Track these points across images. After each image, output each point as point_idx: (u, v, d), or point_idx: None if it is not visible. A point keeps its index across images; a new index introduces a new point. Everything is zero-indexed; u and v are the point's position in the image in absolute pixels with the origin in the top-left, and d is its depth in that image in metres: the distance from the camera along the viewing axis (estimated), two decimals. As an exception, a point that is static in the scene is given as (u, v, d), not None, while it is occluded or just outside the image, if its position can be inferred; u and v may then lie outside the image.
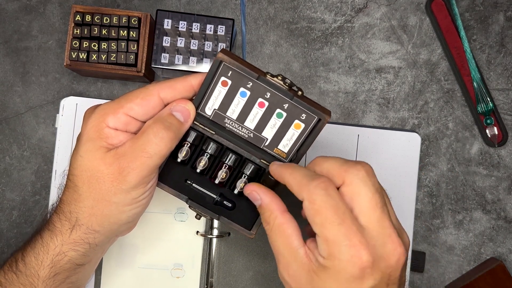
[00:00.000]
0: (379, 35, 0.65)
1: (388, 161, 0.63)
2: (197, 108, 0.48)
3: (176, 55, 0.61)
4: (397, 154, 0.63)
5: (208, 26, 0.60)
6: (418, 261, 0.64)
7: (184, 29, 0.60)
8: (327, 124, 0.63)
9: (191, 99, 0.48)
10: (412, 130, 0.65)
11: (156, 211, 0.61)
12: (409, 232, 0.63)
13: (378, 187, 0.41)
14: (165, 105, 0.47)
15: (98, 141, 0.46)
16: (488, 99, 0.64)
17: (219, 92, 0.47)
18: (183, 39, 0.61)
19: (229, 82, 0.47)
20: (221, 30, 0.60)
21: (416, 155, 0.64)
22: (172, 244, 0.61)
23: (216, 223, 0.61)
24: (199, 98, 0.48)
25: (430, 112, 0.65)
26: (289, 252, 0.43)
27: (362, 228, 0.40)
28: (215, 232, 0.61)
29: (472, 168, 0.65)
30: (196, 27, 0.60)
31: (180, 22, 0.60)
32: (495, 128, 0.64)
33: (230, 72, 0.46)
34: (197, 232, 0.61)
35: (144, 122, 0.47)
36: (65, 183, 0.48)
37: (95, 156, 0.45)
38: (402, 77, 0.65)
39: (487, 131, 0.64)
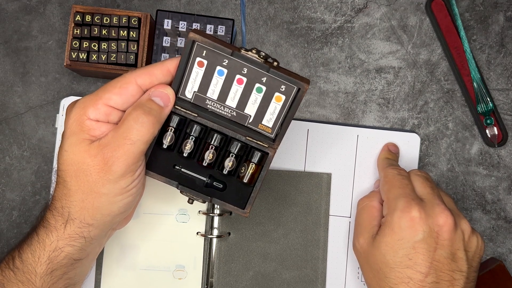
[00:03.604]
0: (379, 35, 0.65)
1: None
2: (176, 93, 0.48)
3: (176, 55, 0.61)
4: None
5: (208, 26, 0.60)
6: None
7: (184, 29, 0.60)
8: (326, 124, 0.63)
9: (170, 84, 0.48)
10: (411, 130, 0.65)
11: (158, 213, 0.61)
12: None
13: (428, 178, 0.55)
14: (144, 92, 0.47)
15: (81, 134, 0.46)
16: (488, 99, 0.64)
17: (196, 74, 0.47)
18: (183, 39, 0.61)
19: (205, 62, 0.47)
20: (221, 30, 0.60)
21: (416, 156, 0.64)
22: (174, 246, 0.61)
23: (216, 223, 0.61)
24: (177, 81, 0.48)
25: (430, 112, 0.65)
26: (367, 225, 0.56)
27: (417, 196, 0.53)
28: (215, 232, 0.61)
29: (472, 168, 0.65)
30: (196, 27, 0.60)
31: (180, 22, 0.60)
32: (495, 128, 0.64)
33: (205, 51, 0.46)
34: (197, 232, 0.61)
35: (125, 111, 0.47)
36: (55, 179, 0.48)
37: (79, 149, 0.46)
38: (402, 77, 0.65)
39: (487, 131, 0.64)
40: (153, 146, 0.49)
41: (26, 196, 0.63)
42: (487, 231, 0.65)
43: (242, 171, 0.50)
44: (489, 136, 0.64)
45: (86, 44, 0.59)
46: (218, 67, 0.47)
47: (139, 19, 0.59)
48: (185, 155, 0.50)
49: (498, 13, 0.66)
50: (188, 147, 0.50)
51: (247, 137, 0.50)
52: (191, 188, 0.51)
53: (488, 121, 0.64)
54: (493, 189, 0.65)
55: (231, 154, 0.50)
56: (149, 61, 0.61)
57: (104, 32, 0.59)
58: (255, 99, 0.48)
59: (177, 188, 0.51)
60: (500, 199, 0.65)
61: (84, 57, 0.59)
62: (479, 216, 0.65)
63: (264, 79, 0.47)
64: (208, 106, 0.49)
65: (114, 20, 0.59)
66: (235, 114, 0.49)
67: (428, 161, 0.65)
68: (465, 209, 0.65)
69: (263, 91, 0.47)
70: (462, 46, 0.64)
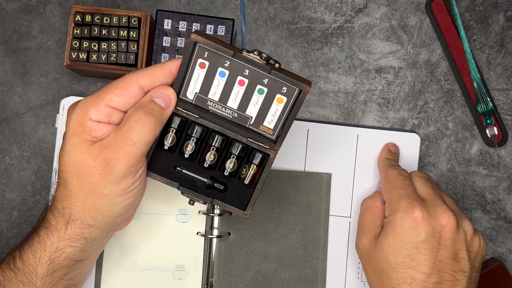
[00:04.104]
0: (379, 35, 0.65)
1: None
2: (178, 94, 0.48)
3: (176, 55, 0.61)
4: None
5: (208, 26, 0.60)
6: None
7: (184, 29, 0.60)
8: (326, 124, 0.63)
9: (171, 85, 0.48)
10: (411, 130, 0.65)
11: (158, 213, 0.61)
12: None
13: (429, 179, 0.56)
14: (146, 93, 0.47)
15: (82, 135, 0.46)
16: (488, 99, 0.64)
17: (198, 75, 0.47)
18: (183, 39, 0.61)
19: (207, 63, 0.47)
20: (221, 30, 0.60)
21: (416, 156, 0.64)
22: (174, 246, 0.61)
23: (216, 223, 0.61)
24: (179, 83, 0.48)
25: (430, 112, 0.65)
26: (370, 225, 0.55)
27: (419, 196, 0.53)
28: (215, 232, 0.61)
29: (472, 168, 0.65)
30: (196, 27, 0.60)
31: (180, 22, 0.60)
32: (495, 128, 0.64)
33: (206, 53, 0.46)
34: (198, 232, 0.61)
35: (126, 112, 0.47)
36: (56, 180, 0.48)
37: (80, 150, 0.46)
38: (402, 77, 0.65)
39: (487, 131, 0.64)
40: (154, 147, 0.49)
41: (26, 196, 0.63)
42: (487, 231, 0.65)
43: (243, 173, 0.50)
44: (489, 136, 0.64)
45: (86, 44, 0.59)
46: (220, 69, 0.47)
47: (139, 19, 0.59)
48: (186, 156, 0.50)
49: (498, 13, 0.66)
50: (189, 148, 0.50)
51: (248, 139, 0.50)
52: (192, 189, 0.51)
53: (488, 121, 0.64)
54: (493, 189, 0.65)
55: (232, 155, 0.50)
56: (149, 61, 0.61)
57: (104, 32, 0.59)
58: (257, 100, 0.48)
59: (178, 189, 0.51)
60: (500, 199, 0.65)
61: (84, 57, 0.59)
62: (479, 216, 0.65)
63: (265, 81, 0.47)
64: (210, 107, 0.49)
65: (114, 20, 0.59)
66: (236, 116, 0.49)
67: (428, 161, 0.65)
68: (465, 209, 0.65)
69: (264, 93, 0.47)
70: (462, 46, 0.64)
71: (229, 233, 0.61)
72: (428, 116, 0.65)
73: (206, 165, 0.50)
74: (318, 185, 0.62)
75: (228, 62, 0.46)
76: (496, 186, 0.65)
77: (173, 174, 0.51)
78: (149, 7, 0.65)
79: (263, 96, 0.47)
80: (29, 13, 0.64)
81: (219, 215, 0.60)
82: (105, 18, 0.59)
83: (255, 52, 0.45)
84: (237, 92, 0.48)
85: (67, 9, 0.64)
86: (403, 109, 0.65)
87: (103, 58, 0.59)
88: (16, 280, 0.47)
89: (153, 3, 0.65)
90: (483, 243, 0.53)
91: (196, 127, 0.49)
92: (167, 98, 0.47)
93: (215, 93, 0.48)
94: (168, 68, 0.47)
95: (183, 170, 0.51)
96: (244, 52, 0.45)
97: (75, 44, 0.59)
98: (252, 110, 0.48)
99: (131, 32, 0.59)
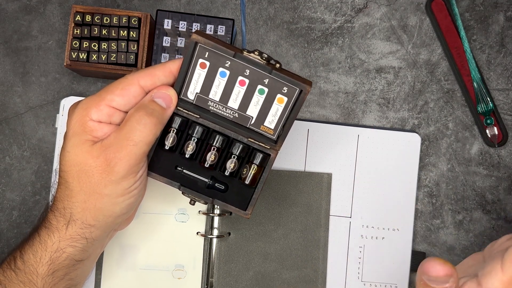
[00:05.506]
0: (379, 35, 0.65)
1: (388, 161, 0.63)
2: (179, 94, 0.48)
3: (176, 55, 0.61)
4: (397, 154, 0.63)
5: (208, 26, 0.60)
6: (418, 262, 0.64)
7: (184, 29, 0.60)
8: (326, 124, 0.63)
9: (172, 85, 0.48)
10: (412, 130, 0.65)
11: (157, 212, 0.61)
12: (409, 232, 0.63)
13: None
14: (147, 93, 0.47)
15: (83, 135, 0.46)
16: (488, 99, 0.64)
17: (198, 75, 0.47)
18: (183, 39, 0.61)
19: (207, 63, 0.47)
20: (221, 30, 0.60)
21: (416, 155, 0.64)
22: (173, 245, 0.61)
23: (216, 223, 0.61)
24: (180, 83, 0.48)
25: (430, 112, 0.65)
26: None
27: None
28: (215, 232, 0.61)
29: (472, 168, 0.65)
30: (196, 27, 0.60)
31: (180, 22, 0.60)
32: (495, 128, 0.64)
33: (207, 53, 0.46)
34: (197, 232, 0.61)
35: (127, 112, 0.47)
36: (57, 180, 0.48)
37: (81, 150, 0.46)
38: (402, 77, 0.65)
39: (487, 131, 0.64)
40: (155, 147, 0.49)
41: (26, 196, 0.63)
42: (487, 231, 0.65)
43: (244, 173, 0.50)
44: (489, 136, 0.64)
45: (86, 44, 0.59)
46: (221, 69, 0.47)
47: (139, 19, 0.59)
48: (187, 156, 0.50)
49: (498, 13, 0.66)
50: (190, 148, 0.50)
51: (249, 139, 0.50)
52: (193, 189, 0.51)
53: (488, 121, 0.64)
54: (493, 189, 0.65)
55: (233, 155, 0.50)
56: (149, 61, 0.61)
57: (104, 32, 0.59)
58: (257, 100, 0.48)
59: (179, 190, 0.51)
60: (500, 199, 0.65)
61: (84, 57, 0.59)
62: (479, 216, 0.65)
63: (266, 81, 0.47)
64: (210, 107, 0.49)
65: (114, 20, 0.59)
66: (237, 116, 0.49)
67: (428, 161, 0.65)
68: (465, 209, 0.65)
69: (265, 93, 0.47)
70: (462, 46, 0.64)
71: (229, 233, 0.61)
72: (428, 116, 0.65)
73: (207, 165, 0.50)
74: (318, 185, 0.62)
75: (229, 62, 0.46)
76: (496, 186, 0.65)
77: (174, 174, 0.51)
78: (149, 7, 0.65)
79: (263, 96, 0.47)
80: (29, 13, 0.64)
81: (219, 215, 0.60)
82: (105, 18, 0.59)
83: (255, 52, 0.45)
84: (238, 92, 0.48)
85: (67, 9, 0.64)
86: (403, 109, 0.65)
87: (103, 58, 0.59)
88: (17, 280, 0.47)
89: (153, 3, 0.65)
90: None
91: (197, 127, 0.49)
92: (168, 98, 0.47)
93: (216, 93, 0.48)
94: (169, 68, 0.47)
95: (184, 170, 0.51)
96: (245, 53, 0.45)
97: (75, 44, 0.59)
98: (253, 110, 0.48)
99: (131, 32, 0.59)
